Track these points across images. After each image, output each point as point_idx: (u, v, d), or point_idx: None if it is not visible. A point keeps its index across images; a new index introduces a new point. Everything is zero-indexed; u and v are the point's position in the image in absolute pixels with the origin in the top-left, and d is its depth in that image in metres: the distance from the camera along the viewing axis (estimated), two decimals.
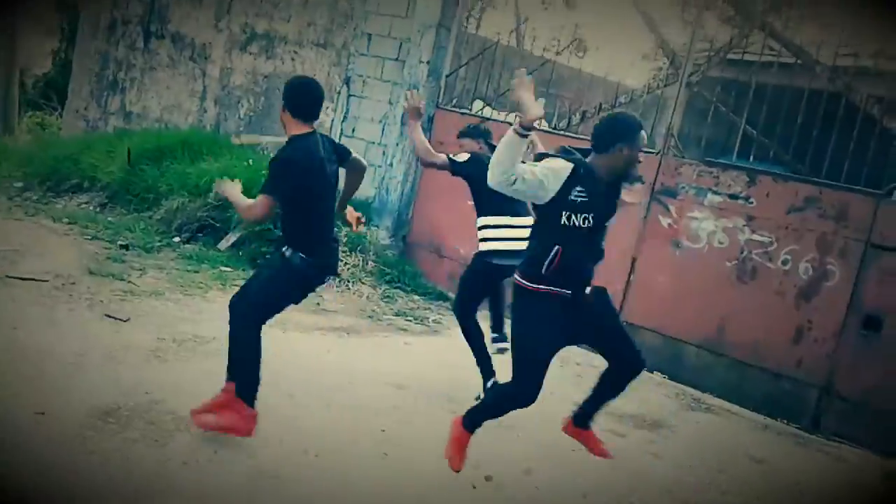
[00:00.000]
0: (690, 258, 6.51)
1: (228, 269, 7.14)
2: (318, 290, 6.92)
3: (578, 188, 3.39)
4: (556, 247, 3.42)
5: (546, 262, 3.46)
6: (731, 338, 6.31)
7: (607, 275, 6.79)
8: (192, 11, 10.10)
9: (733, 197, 6.35)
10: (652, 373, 6.50)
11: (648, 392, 6.09)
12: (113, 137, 9.77)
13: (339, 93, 8.62)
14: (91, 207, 8.51)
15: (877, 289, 5.77)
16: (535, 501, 3.96)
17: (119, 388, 4.25)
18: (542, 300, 3.50)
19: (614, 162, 3.48)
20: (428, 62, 7.88)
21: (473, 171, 4.67)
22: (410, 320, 6.91)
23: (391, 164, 8.11)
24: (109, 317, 5.30)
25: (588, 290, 3.57)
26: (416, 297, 7.52)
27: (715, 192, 6.43)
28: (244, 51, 9.55)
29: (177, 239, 7.75)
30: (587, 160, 3.49)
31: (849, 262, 5.87)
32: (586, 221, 3.42)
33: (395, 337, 6.37)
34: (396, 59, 8.16)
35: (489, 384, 4.93)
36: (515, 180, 3.23)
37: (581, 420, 3.86)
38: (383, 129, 8.24)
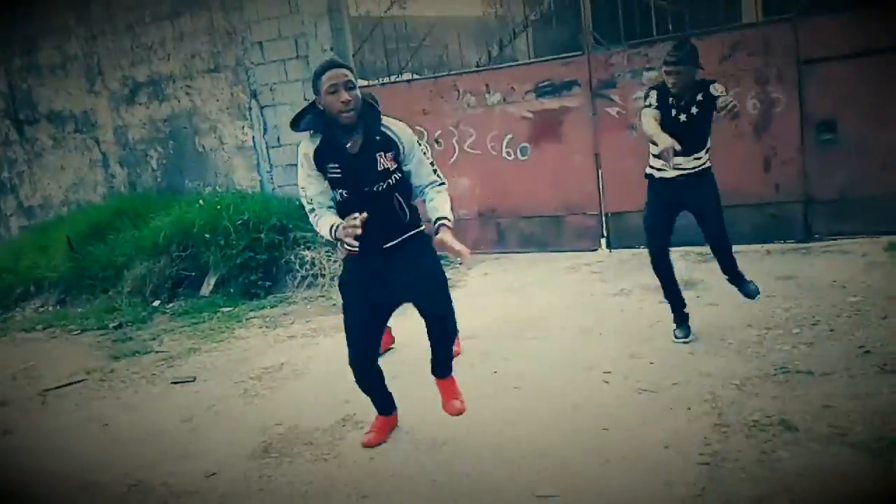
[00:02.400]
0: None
1: (229, 308, 7.12)
2: (325, 293, 7.09)
3: (332, 164, 3.41)
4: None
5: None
6: None
7: (578, 178, 7.27)
8: (59, 86, 9.71)
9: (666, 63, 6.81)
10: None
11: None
12: (32, 235, 9.36)
13: (249, 108, 8.58)
14: (50, 307, 8.20)
15: (819, 97, 6.40)
16: None
17: (254, 427, 4.34)
18: (350, 262, 3.70)
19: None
20: (332, 48, 7.95)
21: None
22: None
23: None
24: (177, 382, 5.28)
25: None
26: None
27: (649, 69, 6.89)
28: (132, 103, 9.29)
29: (157, 302, 7.62)
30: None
31: (787, 84, 6.47)
32: (341, 196, 3.46)
33: None
34: (297, 57, 8.19)
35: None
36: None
37: (435, 370, 3.95)
38: None
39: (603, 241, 7.36)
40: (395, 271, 3.60)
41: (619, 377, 4.42)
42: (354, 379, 3.84)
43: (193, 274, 7.71)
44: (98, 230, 8.35)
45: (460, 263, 3.67)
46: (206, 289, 7.66)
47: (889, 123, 6.18)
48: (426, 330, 3.77)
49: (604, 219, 7.32)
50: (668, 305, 4.95)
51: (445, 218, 3.48)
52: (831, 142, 6.41)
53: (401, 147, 3.48)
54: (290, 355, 5.59)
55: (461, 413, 3.85)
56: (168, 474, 3.92)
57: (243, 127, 8.69)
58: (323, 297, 7.04)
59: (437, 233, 3.43)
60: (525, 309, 5.92)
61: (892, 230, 6.23)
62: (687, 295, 5.65)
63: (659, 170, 4.68)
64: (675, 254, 6.67)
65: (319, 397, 4.69)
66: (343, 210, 3.46)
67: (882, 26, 6.12)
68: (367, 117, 3.46)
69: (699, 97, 4.52)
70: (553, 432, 3.83)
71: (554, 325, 5.50)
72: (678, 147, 4.23)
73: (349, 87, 3.30)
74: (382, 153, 3.45)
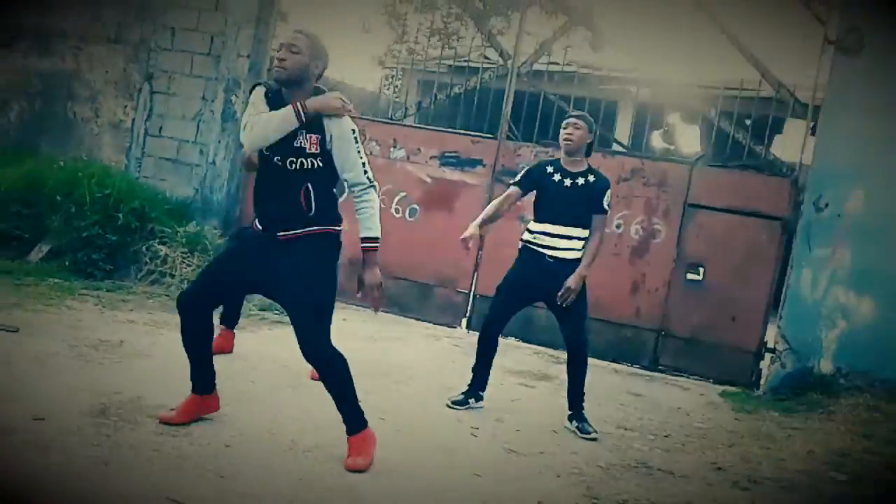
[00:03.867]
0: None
1: (59, 280, 6.43)
2: (171, 294, 6.62)
3: None
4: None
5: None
6: None
7: (457, 252, 7.29)
8: None
9: None
10: (507, 338, 7.05)
11: (515, 354, 6.64)
12: None
13: (139, 90, 8.08)
14: None
15: (694, 239, 6.87)
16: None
17: (88, 388, 3.85)
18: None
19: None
20: (248, 56, 7.72)
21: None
22: (279, 312, 6.77)
23: (213, 163, 7.80)
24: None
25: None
26: None
27: None
28: (8, 48, 8.51)
29: None
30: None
31: (671, 220, 6.91)
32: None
33: (279, 329, 6.22)
34: (208, 54, 7.87)
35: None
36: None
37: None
38: (199, 127, 7.89)
39: (464, 320, 7.36)
40: (276, 261, 3.44)
41: (487, 434, 4.34)
42: (180, 328, 3.56)
43: (27, 236, 6.95)
44: None
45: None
46: (37, 255, 6.92)
47: (748, 281, 6.69)
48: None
49: (471, 299, 7.35)
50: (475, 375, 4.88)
51: (372, 240, 3.45)
52: (696, 283, 6.84)
53: (328, 135, 3.38)
54: (131, 336, 5.08)
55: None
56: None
57: (126, 107, 8.15)
58: (168, 296, 6.50)
59: (363, 263, 3.50)
60: (387, 358, 5.76)
61: (727, 381, 6.64)
62: (542, 386, 5.75)
63: (530, 242, 4.74)
64: (528, 350, 6.86)
65: (167, 379, 4.24)
66: (259, 167, 3.54)
67: (762, 192, 6.72)
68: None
69: (590, 177, 4.69)
70: (425, 467, 3.65)
71: (418, 376, 5.38)
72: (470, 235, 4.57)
73: (292, 50, 3.36)
74: (306, 132, 3.37)
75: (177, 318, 4.91)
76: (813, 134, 6.80)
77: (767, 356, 6.61)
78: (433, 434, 4.16)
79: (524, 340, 7.13)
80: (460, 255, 7.31)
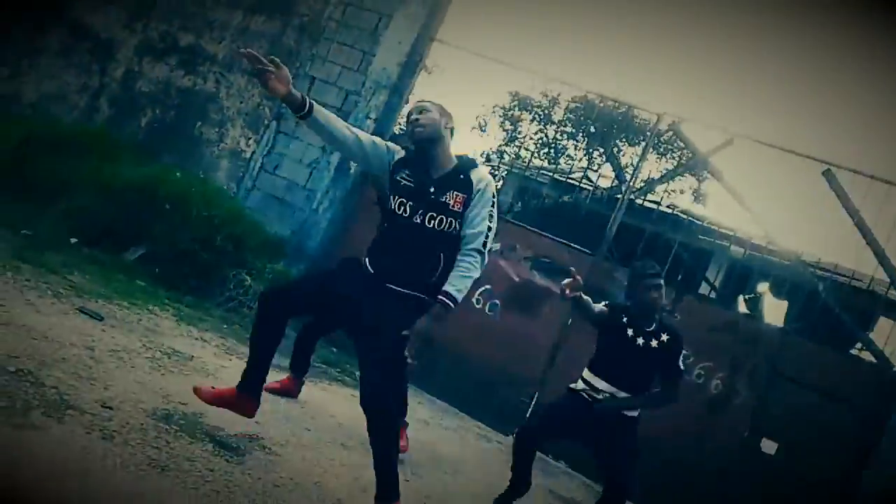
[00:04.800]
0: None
1: (144, 283, 6.55)
2: (247, 326, 6.68)
3: (406, 173, 3.53)
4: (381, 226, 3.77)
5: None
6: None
7: (530, 356, 7.18)
8: (101, 5, 9.38)
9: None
10: (559, 461, 6.84)
11: (563, 480, 6.41)
12: None
13: (266, 126, 8.38)
14: None
15: (772, 411, 6.59)
16: None
17: (156, 390, 3.86)
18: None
19: None
20: (375, 119, 7.95)
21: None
22: (340, 371, 6.74)
23: (316, 210, 7.96)
24: (86, 312, 4.71)
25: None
26: (334, 348, 7.32)
27: None
28: (159, 60, 8.99)
29: (74, 240, 6.98)
30: None
31: (755, 384, 6.67)
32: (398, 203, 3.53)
33: (338, 386, 6.17)
34: (339, 109, 8.14)
35: None
36: None
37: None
38: (311, 173, 8.10)
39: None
40: (373, 304, 3.44)
41: None
42: (254, 322, 3.60)
43: (128, 235, 7.14)
44: (56, 143, 7.76)
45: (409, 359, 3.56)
46: (131, 255, 7.09)
47: (822, 472, 6.35)
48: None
49: (532, 406, 7.18)
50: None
51: (452, 299, 3.39)
52: (762, 457, 6.53)
53: (475, 194, 3.44)
54: (202, 354, 5.10)
55: None
56: (59, 381, 3.38)
57: (250, 139, 8.45)
58: (242, 326, 6.56)
59: (429, 312, 3.43)
60: (438, 446, 5.61)
61: None
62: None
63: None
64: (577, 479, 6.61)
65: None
66: (385, 220, 3.62)
67: (856, 378, 6.45)
68: (460, 159, 3.56)
69: (664, 336, 4.32)
70: None
71: (466, 471, 5.21)
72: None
73: (422, 111, 3.54)
74: (455, 191, 3.45)
75: (247, 350, 4.95)
76: None
77: None
78: None
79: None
80: (531, 360, 7.24)
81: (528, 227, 7.89)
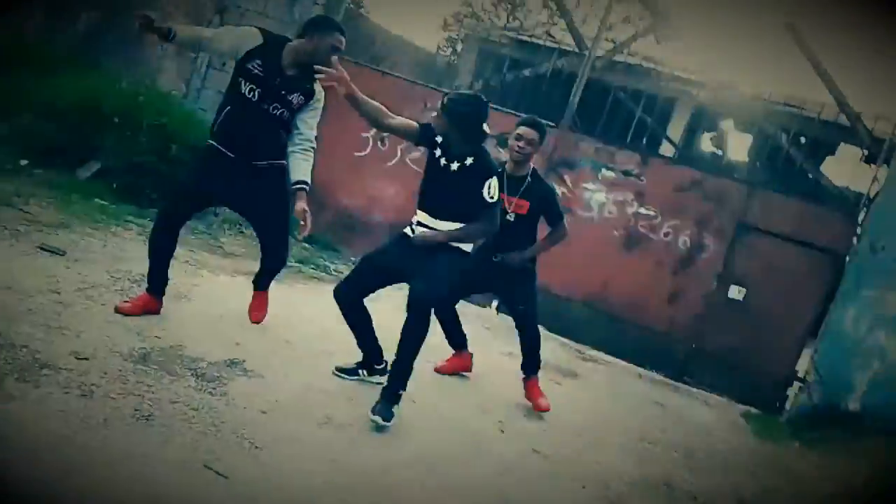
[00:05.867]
0: (580, 227, 7.06)
1: (104, 203, 6.43)
2: (213, 233, 6.65)
3: (257, 61, 4.00)
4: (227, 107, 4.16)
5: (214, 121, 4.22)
6: (612, 297, 7.01)
7: None
8: None
9: (626, 174, 7.02)
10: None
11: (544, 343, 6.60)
12: None
13: (209, 22, 8.00)
14: None
15: (740, 260, 6.76)
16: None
17: (130, 328, 3.87)
18: (207, 152, 4.21)
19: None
20: (323, 3, 7.61)
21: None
22: (315, 268, 6.77)
23: None
24: (46, 249, 4.64)
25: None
26: (305, 245, 7.33)
27: (609, 168, 7.06)
28: None
29: (24, 162, 6.77)
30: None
31: (721, 237, 6.79)
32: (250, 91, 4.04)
33: (316, 285, 6.22)
34: (284, 4, 7.76)
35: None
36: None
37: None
38: None
39: (495, 302, 7.32)
40: (247, 181, 4.05)
41: (513, 431, 4.32)
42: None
43: (78, 152, 6.94)
44: None
45: (298, 236, 4.01)
46: (85, 173, 6.91)
47: (790, 310, 6.59)
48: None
49: None
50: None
51: (305, 183, 4.01)
52: (734, 303, 6.75)
53: (313, 101, 4.07)
54: (172, 275, 5.07)
55: None
56: (30, 337, 3.37)
57: None
58: (210, 235, 6.53)
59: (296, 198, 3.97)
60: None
61: (752, 402, 6.59)
62: (570, 384, 5.72)
63: None
64: (555, 342, 6.80)
65: (206, 329, 4.27)
66: (232, 104, 4.15)
67: (819, 224, 6.58)
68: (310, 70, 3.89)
69: (469, 159, 3.88)
70: (453, 459, 3.65)
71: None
72: None
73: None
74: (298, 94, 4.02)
75: (217, 261, 4.92)
76: (867, 162, 6.64)
77: (796, 385, 6.54)
78: (462, 425, 4.15)
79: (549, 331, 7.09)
80: None
81: (492, 107, 7.74)
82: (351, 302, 4.09)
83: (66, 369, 3.19)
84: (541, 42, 10.16)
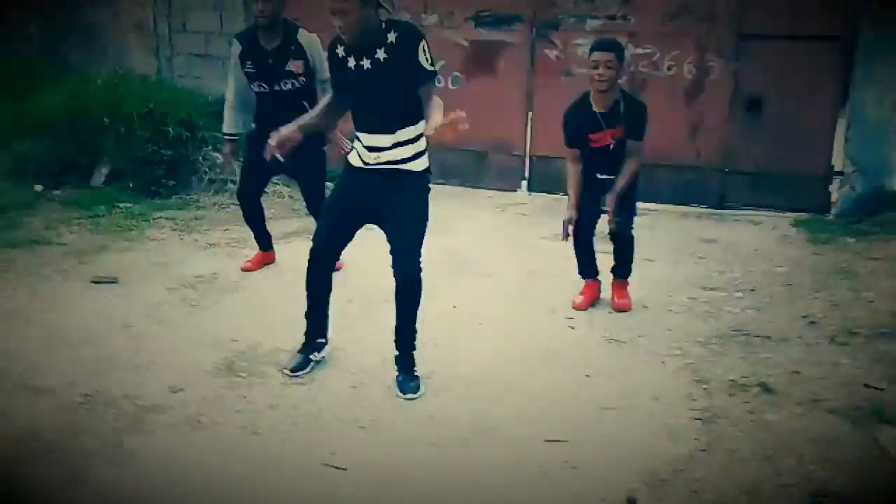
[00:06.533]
0: (582, 81, 6.92)
1: (128, 204, 6.52)
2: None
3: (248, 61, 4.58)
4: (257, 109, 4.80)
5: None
6: None
7: (507, 116, 7.20)
8: None
9: (611, 18, 6.84)
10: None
11: None
12: None
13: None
14: None
15: (751, 73, 6.66)
16: None
17: (205, 341, 4.04)
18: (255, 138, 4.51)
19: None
20: None
21: None
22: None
23: None
24: (99, 282, 4.78)
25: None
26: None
27: (594, 17, 6.88)
28: None
29: (39, 188, 6.84)
30: None
31: (724, 55, 6.66)
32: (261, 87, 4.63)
33: None
34: None
35: None
36: None
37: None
38: (221, 16, 7.63)
39: (524, 183, 7.37)
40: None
41: (583, 324, 4.48)
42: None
43: (85, 161, 6.98)
44: None
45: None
46: (98, 179, 6.97)
47: (810, 108, 6.53)
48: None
49: (528, 161, 7.32)
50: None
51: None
52: (756, 117, 6.70)
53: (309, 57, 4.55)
54: (219, 266, 5.21)
55: None
56: (124, 384, 3.56)
57: (144, 5, 7.88)
58: (235, 204, 6.56)
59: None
60: (463, 245, 5.82)
61: (798, 208, 6.66)
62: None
63: None
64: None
65: (271, 315, 4.41)
66: (258, 104, 4.71)
67: (817, 13, 6.41)
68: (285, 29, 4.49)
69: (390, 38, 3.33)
70: (537, 376, 3.82)
71: (499, 263, 5.46)
72: None
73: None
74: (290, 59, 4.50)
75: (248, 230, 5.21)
76: None
77: (836, 180, 6.57)
78: (534, 335, 4.30)
79: None
80: (510, 119, 7.26)
81: None
82: (328, 264, 3.71)
83: (169, 407, 3.38)
84: None
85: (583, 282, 4.77)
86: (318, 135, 4.22)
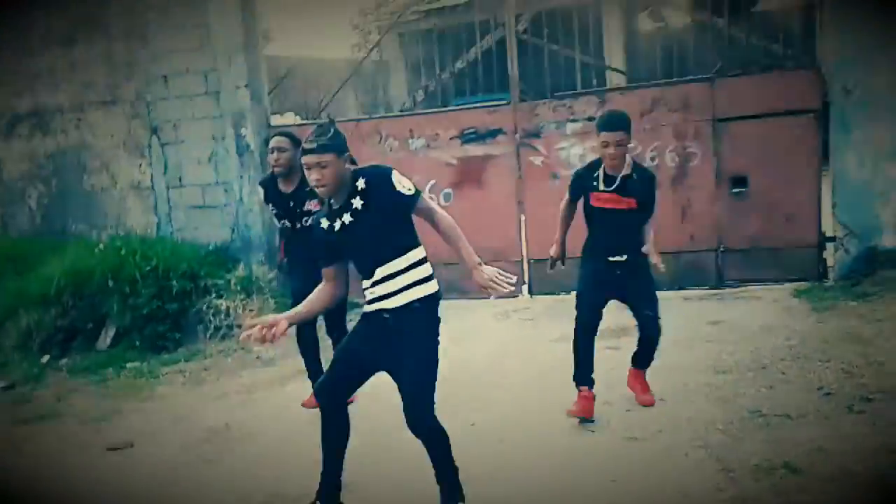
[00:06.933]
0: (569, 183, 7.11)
1: (136, 363, 6.57)
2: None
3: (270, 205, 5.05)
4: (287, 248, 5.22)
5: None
6: None
7: (501, 224, 7.34)
8: None
9: (590, 119, 7.06)
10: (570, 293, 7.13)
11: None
12: None
13: (149, 146, 8.07)
14: None
15: (731, 153, 6.82)
16: None
17: (231, 500, 4.00)
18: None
19: None
20: (246, 85, 7.64)
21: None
22: None
23: (241, 199, 7.82)
24: (114, 449, 4.78)
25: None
26: None
27: (573, 120, 7.12)
28: (10, 136, 8.52)
29: (46, 358, 6.92)
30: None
31: (703, 140, 6.85)
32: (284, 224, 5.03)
33: None
34: (206, 94, 7.80)
35: None
36: None
37: None
38: (216, 167, 7.89)
39: (524, 287, 7.44)
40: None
41: (602, 426, 4.44)
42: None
43: (90, 325, 7.08)
44: None
45: None
46: (104, 342, 7.05)
47: (793, 180, 6.65)
48: None
49: (525, 265, 7.41)
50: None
51: None
52: (742, 195, 6.83)
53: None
54: (232, 415, 5.21)
55: None
56: None
57: (140, 165, 8.17)
58: (243, 349, 6.64)
59: None
60: (473, 357, 5.85)
61: (796, 278, 6.70)
62: (626, 343, 5.75)
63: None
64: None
65: (290, 461, 4.37)
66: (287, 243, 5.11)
67: (788, 90, 6.63)
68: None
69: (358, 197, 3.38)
70: (563, 488, 3.77)
71: (508, 372, 5.47)
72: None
73: (282, 150, 4.92)
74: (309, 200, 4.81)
75: (261, 375, 5.00)
76: None
77: (830, 246, 6.63)
78: (555, 445, 4.25)
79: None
80: (503, 227, 7.40)
81: (436, 111, 7.85)
82: (338, 404, 3.55)
83: None
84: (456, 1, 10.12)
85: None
86: None
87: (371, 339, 3.45)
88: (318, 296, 3.45)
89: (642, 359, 4.74)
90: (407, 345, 3.35)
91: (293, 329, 3.58)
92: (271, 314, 3.45)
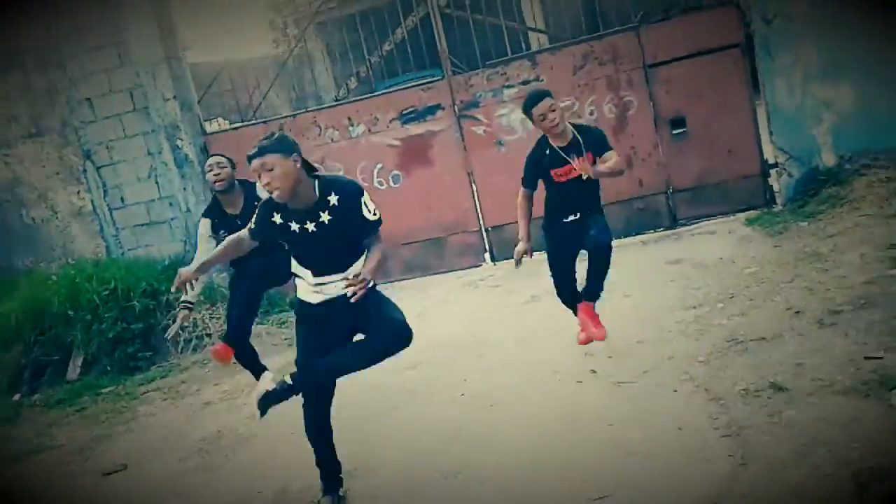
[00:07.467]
0: (515, 148, 7.17)
1: (111, 387, 6.48)
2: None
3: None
4: None
5: None
6: None
7: (453, 197, 7.40)
8: None
9: (525, 83, 7.14)
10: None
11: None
12: None
13: (84, 171, 7.89)
14: None
15: (667, 96, 6.96)
16: None
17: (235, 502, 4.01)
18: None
19: None
20: (175, 96, 7.51)
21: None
22: None
23: (188, 210, 7.72)
24: (110, 473, 4.73)
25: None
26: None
27: (508, 86, 7.18)
28: None
29: (17, 396, 6.79)
30: None
31: (637, 87, 6.98)
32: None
33: None
34: (134, 110, 7.65)
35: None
36: None
37: None
38: (157, 182, 7.76)
39: (486, 255, 7.52)
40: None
41: (589, 376, 4.55)
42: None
43: (56, 357, 6.94)
44: None
45: None
46: (74, 372, 6.92)
47: (729, 113, 6.84)
48: None
49: (484, 233, 7.49)
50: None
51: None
52: (683, 136, 6.99)
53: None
54: (221, 422, 5.20)
55: None
56: None
57: (79, 192, 7.99)
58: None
59: None
60: (450, 330, 5.91)
61: (746, 207, 6.91)
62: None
63: None
64: None
65: (286, 456, 4.39)
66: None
67: (711, 28, 6.78)
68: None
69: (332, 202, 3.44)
70: (562, 442, 3.87)
71: (489, 339, 5.54)
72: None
73: (221, 165, 4.79)
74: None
75: (244, 379, 5.06)
76: None
77: (773, 172, 6.84)
78: (546, 402, 4.34)
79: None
80: (457, 199, 7.45)
81: (371, 95, 7.85)
82: (331, 382, 3.65)
83: None
84: None
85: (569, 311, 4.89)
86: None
87: (325, 323, 3.53)
88: (236, 243, 3.62)
89: (594, 283, 4.73)
90: (370, 301, 3.38)
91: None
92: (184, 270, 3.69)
